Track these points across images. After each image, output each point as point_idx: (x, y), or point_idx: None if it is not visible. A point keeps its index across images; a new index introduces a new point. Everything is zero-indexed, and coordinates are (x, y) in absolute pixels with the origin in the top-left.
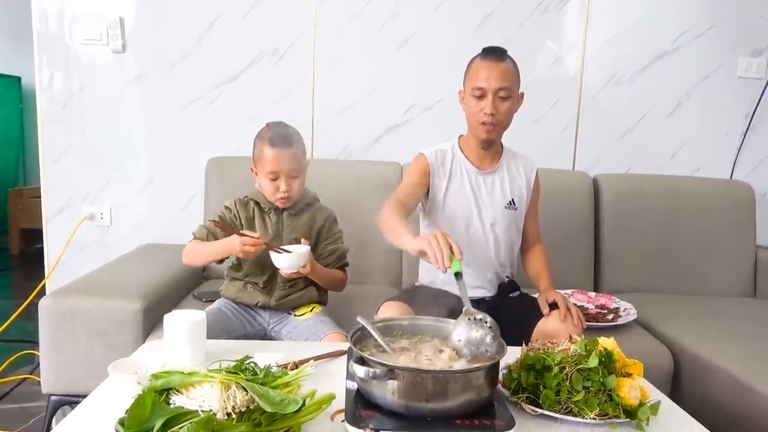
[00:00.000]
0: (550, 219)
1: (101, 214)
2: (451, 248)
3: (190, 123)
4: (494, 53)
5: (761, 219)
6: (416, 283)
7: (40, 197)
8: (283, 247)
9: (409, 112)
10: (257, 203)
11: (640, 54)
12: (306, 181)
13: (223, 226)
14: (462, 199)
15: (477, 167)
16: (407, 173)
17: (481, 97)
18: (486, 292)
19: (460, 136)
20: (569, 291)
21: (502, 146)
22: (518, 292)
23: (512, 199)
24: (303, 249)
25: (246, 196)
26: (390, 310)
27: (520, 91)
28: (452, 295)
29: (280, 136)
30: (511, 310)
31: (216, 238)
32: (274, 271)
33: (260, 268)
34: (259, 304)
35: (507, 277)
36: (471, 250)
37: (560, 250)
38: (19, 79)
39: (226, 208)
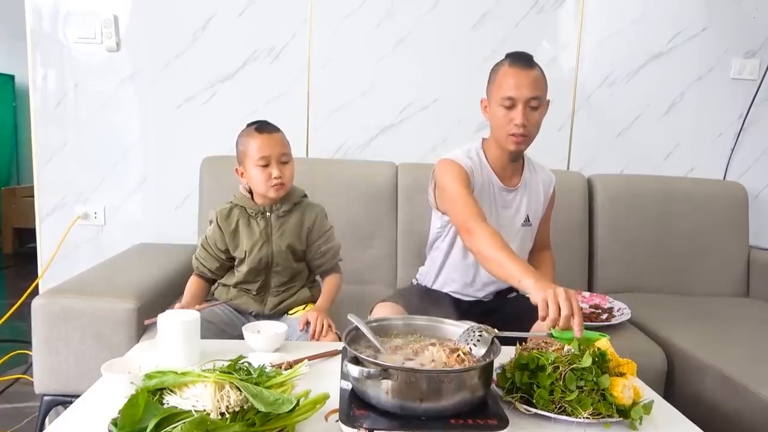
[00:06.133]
0: None
1: (95, 213)
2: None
3: (184, 122)
4: (523, 60)
5: (754, 219)
6: (413, 282)
7: (33, 196)
8: (258, 324)
9: (405, 112)
10: (243, 208)
11: (635, 55)
12: (296, 180)
13: (148, 323)
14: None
15: (501, 181)
16: (453, 184)
17: (510, 107)
18: (483, 297)
19: (484, 141)
20: None
21: (523, 157)
22: (515, 293)
23: (528, 216)
24: (280, 330)
25: (231, 202)
26: (383, 311)
27: (547, 98)
28: (446, 295)
29: (264, 123)
30: (509, 311)
31: (205, 267)
32: (267, 277)
33: (253, 274)
34: (253, 314)
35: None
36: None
37: (555, 250)
38: (12, 77)
39: (210, 222)
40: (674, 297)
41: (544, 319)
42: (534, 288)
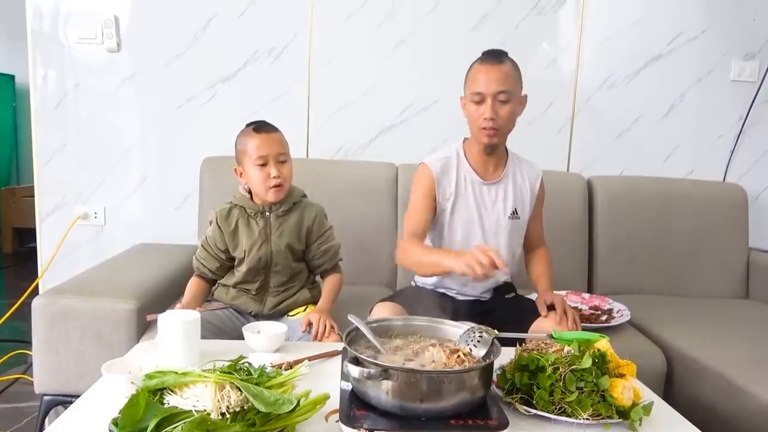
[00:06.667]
0: (545, 220)
1: (95, 213)
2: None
3: (184, 122)
4: (492, 56)
5: (754, 221)
6: (412, 283)
7: (33, 196)
8: (258, 324)
9: (405, 113)
10: (243, 208)
11: (635, 56)
12: (294, 180)
13: (150, 319)
14: (465, 210)
15: (481, 177)
16: (414, 191)
17: (480, 102)
18: (480, 296)
19: (465, 140)
20: (563, 292)
21: (507, 151)
22: (513, 294)
23: (515, 209)
24: (280, 330)
25: (230, 202)
26: (383, 311)
27: (523, 94)
28: (446, 296)
29: (262, 123)
30: (508, 311)
31: (205, 267)
32: (267, 277)
33: (252, 274)
34: (252, 313)
35: (504, 281)
36: None
37: (554, 252)
38: (12, 77)
39: (210, 222)
40: (674, 298)
41: (478, 279)
42: (452, 263)
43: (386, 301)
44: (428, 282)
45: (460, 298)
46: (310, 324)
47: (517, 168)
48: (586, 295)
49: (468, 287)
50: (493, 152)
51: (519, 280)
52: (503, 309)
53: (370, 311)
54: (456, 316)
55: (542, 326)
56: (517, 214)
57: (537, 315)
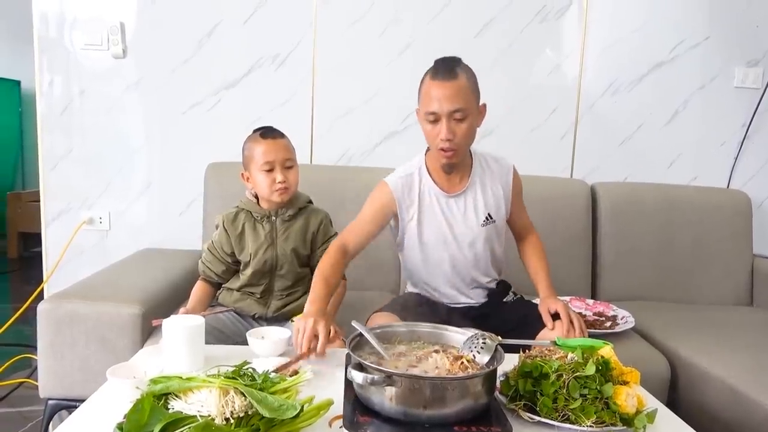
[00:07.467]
0: (548, 226)
1: (100, 218)
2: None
3: (189, 128)
4: (444, 71)
5: (758, 228)
6: (406, 290)
7: (38, 201)
8: (262, 330)
9: (409, 119)
10: (249, 213)
11: (638, 63)
12: (300, 186)
13: (155, 324)
14: (434, 225)
15: (445, 190)
16: (367, 204)
17: (435, 122)
18: (474, 302)
19: (428, 151)
20: (567, 298)
21: (471, 156)
22: (512, 295)
23: (488, 214)
24: (284, 335)
25: (236, 206)
26: (379, 321)
27: (481, 104)
28: (440, 303)
29: (269, 129)
30: (509, 317)
31: (211, 271)
32: (272, 280)
33: (257, 277)
34: (256, 316)
35: (495, 280)
36: (449, 270)
37: (558, 258)
38: (18, 83)
39: (216, 227)
40: (678, 305)
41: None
42: (298, 318)
43: (383, 311)
44: (419, 291)
45: (453, 305)
46: None
47: (485, 172)
48: (591, 301)
49: (457, 289)
50: (452, 171)
51: (514, 278)
52: (503, 314)
53: (367, 321)
54: (450, 323)
55: (549, 337)
56: (491, 218)
57: (542, 324)
